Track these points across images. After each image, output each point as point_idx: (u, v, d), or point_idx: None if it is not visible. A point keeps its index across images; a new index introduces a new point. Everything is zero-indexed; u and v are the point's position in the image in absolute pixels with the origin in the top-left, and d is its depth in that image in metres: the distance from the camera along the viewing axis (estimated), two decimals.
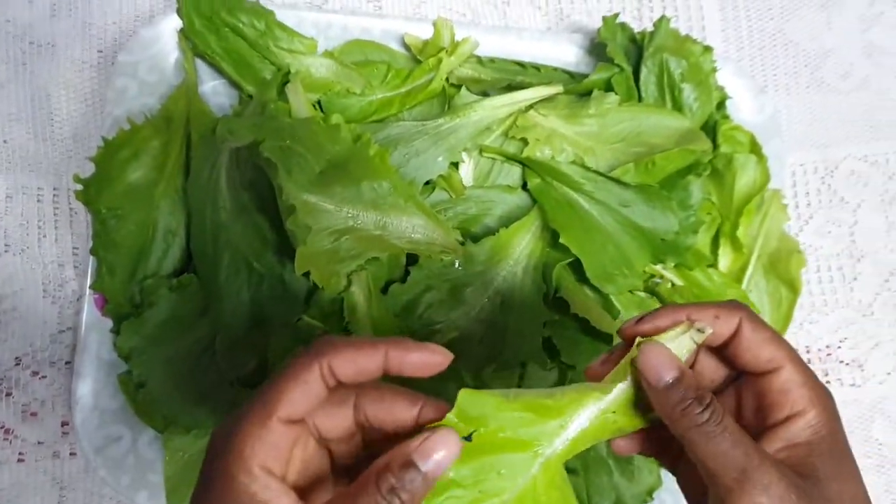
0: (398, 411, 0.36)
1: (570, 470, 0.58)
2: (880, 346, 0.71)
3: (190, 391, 0.58)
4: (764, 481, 0.33)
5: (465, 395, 0.34)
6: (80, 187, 0.57)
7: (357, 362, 0.35)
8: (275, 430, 0.34)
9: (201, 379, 0.58)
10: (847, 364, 0.70)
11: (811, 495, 0.34)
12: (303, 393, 0.34)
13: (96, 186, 0.57)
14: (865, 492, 0.36)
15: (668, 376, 0.35)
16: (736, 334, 0.37)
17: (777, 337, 0.37)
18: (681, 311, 0.37)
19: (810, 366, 0.37)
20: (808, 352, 0.70)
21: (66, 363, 0.64)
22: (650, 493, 0.61)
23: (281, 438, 0.34)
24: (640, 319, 0.37)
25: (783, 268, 0.64)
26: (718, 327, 0.37)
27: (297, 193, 0.51)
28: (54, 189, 0.66)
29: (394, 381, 0.38)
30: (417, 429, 0.36)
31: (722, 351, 0.38)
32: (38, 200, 0.66)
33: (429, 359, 0.36)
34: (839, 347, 0.71)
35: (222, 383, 0.57)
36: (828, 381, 0.69)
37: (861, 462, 0.36)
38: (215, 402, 0.58)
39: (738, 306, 0.37)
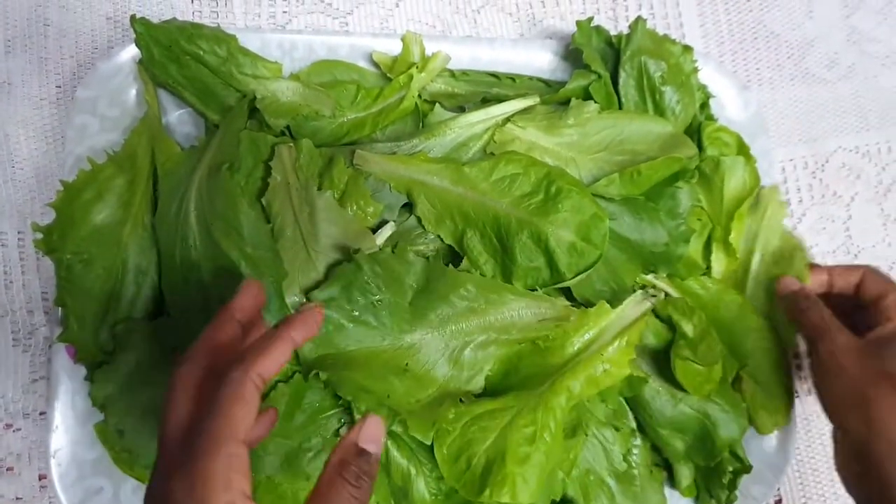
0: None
1: (567, 500, 0.56)
2: None
3: None
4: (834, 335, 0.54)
5: None
6: (39, 235, 0.54)
7: (278, 360, 0.39)
8: (242, 455, 0.35)
9: None
10: None
11: (868, 352, 0.52)
12: (248, 411, 0.37)
13: (58, 232, 0.55)
14: None
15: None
16: (861, 280, 0.58)
17: (888, 281, 0.57)
18: (823, 272, 0.59)
19: None
20: None
21: (41, 414, 0.62)
22: None
23: (245, 461, 0.36)
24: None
25: (787, 266, 0.61)
26: (853, 278, 0.58)
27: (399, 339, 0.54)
28: (19, 233, 0.64)
29: None
30: None
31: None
32: (3, 245, 0.63)
33: (310, 320, 0.43)
34: None
35: None
36: None
37: None
38: None
39: (860, 266, 0.59)
